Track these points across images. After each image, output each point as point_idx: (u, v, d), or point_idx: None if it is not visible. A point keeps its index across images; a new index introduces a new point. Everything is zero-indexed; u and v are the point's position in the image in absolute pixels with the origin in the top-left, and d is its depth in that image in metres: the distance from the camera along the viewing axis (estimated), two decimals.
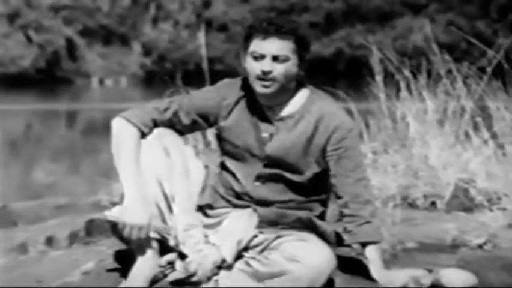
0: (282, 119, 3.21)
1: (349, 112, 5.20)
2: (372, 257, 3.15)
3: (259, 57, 3.10)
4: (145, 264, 3.19)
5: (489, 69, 5.30)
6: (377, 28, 48.45)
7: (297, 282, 2.98)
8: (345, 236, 3.21)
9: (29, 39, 49.56)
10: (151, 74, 49.70)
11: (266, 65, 3.07)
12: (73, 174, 14.23)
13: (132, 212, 3.11)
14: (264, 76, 3.08)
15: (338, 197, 3.20)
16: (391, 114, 5.26)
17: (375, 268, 3.14)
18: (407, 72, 5.36)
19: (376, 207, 3.29)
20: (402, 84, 5.35)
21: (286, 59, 3.09)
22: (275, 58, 3.08)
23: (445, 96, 5.33)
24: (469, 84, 5.35)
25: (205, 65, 5.56)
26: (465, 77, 5.38)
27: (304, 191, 3.25)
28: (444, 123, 5.15)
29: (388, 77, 5.40)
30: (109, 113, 3.44)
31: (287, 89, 3.17)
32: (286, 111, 3.21)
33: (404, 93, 5.31)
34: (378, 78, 5.38)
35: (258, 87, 3.12)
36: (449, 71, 5.37)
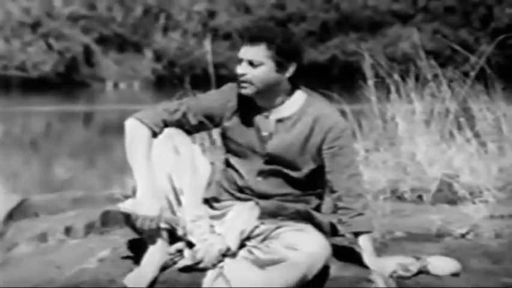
0: (281, 120, 3.22)
1: (343, 113, 5.19)
2: (364, 245, 3.16)
3: (239, 62, 3.15)
4: (156, 252, 3.20)
5: (472, 74, 5.30)
6: (368, 36, 48.35)
7: (295, 268, 2.98)
8: (340, 227, 3.23)
9: (50, 47, 49.53)
10: (162, 78, 49.59)
11: (240, 68, 3.14)
12: (89, 170, 14.22)
13: (144, 204, 3.12)
14: (240, 78, 3.14)
15: (333, 191, 3.21)
16: (382, 115, 5.26)
17: (368, 256, 3.15)
18: (396, 77, 5.36)
19: (368, 200, 3.29)
20: (392, 88, 5.35)
21: (260, 64, 3.11)
22: (251, 63, 3.12)
23: (431, 98, 5.33)
24: (453, 88, 5.34)
25: (211, 70, 5.54)
26: (450, 81, 5.38)
27: (302, 185, 3.25)
28: (431, 123, 5.15)
29: (379, 81, 5.40)
30: (122, 114, 3.45)
31: (276, 92, 3.19)
32: (284, 113, 3.22)
33: (393, 95, 5.31)
34: (370, 82, 5.38)
35: (239, 88, 3.18)
36: (435, 76, 5.37)
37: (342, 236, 3.33)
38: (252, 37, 3.15)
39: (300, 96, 3.24)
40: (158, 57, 51.84)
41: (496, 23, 49.54)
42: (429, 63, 5.44)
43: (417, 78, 5.39)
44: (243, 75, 3.13)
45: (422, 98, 5.30)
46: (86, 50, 50.63)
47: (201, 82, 5.22)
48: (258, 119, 3.24)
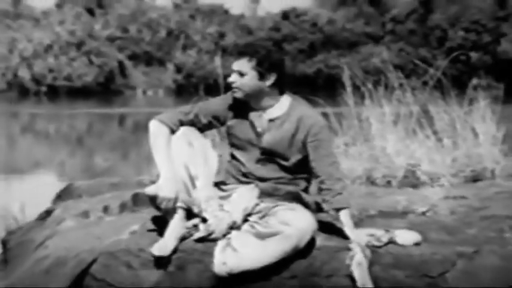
0: (272, 119, 3.24)
1: (326, 115, 5.20)
2: (344, 219, 3.15)
3: (232, 73, 3.24)
4: (176, 226, 3.19)
5: (431, 83, 5.29)
6: (346, 53, 48.54)
7: (288, 240, 2.99)
8: (324, 205, 3.24)
9: (91, 62, 49.55)
10: (181, 86, 49.69)
11: (231, 77, 3.23)
12: (123, 161, 14.23)
13: (164, 188, 3.15)
14: (232, 85, 3.23)
15: (316, 176, 3.22)
16: (358, 116, 5.24)
17: (347, 227, 3.14)
18: (369, 85, 5.34)
19: (345, 183, 3.29)
20: (366, 94, 5.32)
21: (245, 74, 3.19)
22: (239, 73, 3.20)
23: (398, 103, 5.31)
24: (416, 94, 5.32)
25: (220, 80, 5.51)
26: (413, 89, 5.36)
27: (291, 171, 3.27)
28: (398, 123, 5.13)
29: (355, 89, 5.38)
30: (149, 115, 3.45)
31: (261, 96, 3.23)
32: (274, 113, 3.25)
33: (367, 101, 5.29)
34: (348, 89, 5.36)
35: (232, 92, 3.25)
36: (401, 85, 5.35)
37: (326, 212, 3.33)
38: (238, 52, 3.29)
39: (286, 100, 3.28)
40: (178, 69, 51.95)
41: (450, 42, 49.56)
42: (396, 75, 5.43)
43: (386, 86, 5.37)
44: (233, 83, 3.22)
45: (391, 102, 5.28)
46: (120, 64, 50.70)
47: (213, 90, 5.21)
48: (254, 118, 3.27)
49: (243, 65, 3.19)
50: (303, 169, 3.27)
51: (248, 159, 3.28)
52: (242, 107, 3.28)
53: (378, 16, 54.06)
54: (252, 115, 3.27)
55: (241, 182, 3.29)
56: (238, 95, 3.22)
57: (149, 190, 3.18)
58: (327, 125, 3.33)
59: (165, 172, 3.19)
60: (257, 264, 2.97)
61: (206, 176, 3.29)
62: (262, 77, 3.19)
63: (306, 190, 3.32)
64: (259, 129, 3.25)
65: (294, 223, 3.04)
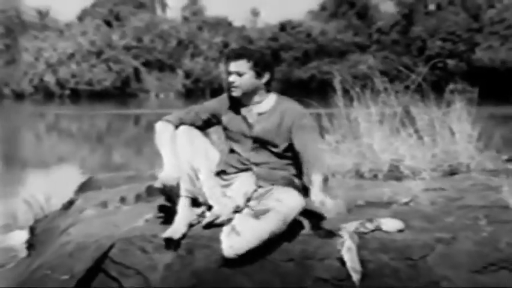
0: (261, 113, 3.30)
1: (319, 115, 5.21)
2: (315, 180, 3.02)
3: (229, 74, 3.27)
4: (185, 214, 3.20)
5: (412, 87, 5.29)
6: (337, 60, 48.61)
7: (277, 214, 3.00)
8: (304, 179, 3.18)
9: (109, 68, 49.64)
10: (190, 90, 49.80)
11: (231, 78, 3.26)
12: (138, 156, 14.21)
13: (168, 170, 3.18)
14: (231, 85, 3.26)
15: (300, 157, 3.19)
16: (347, 116, 5.23)
17: (314, 188, 3.01)
18: (357, 89, 5.34)
19: (325, 161, 3.23)
20: (355, 97, 5.32)
21: (244, 73, 3.24)
22: (238, 73, 3.24)
23: (383, 105, 5.31)
24: (399, 97, 5.33)
25: (224, 84, 5.51)
26: (396, 92, 5.36)
27: (282, 156, 3.28)
28: (383, 123, 5.13)
29: (345, 92, 5.37)
30: (161, 116, 3.46)
31: (254, 93, 3.28)
32: (263, 108, 3.30)
33: (355, 102, 5.28)
34: (339, 93, 5.34)
35: (229, 92, 3.30)
36: (385, 89, 5.34)
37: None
38: (236, 55, 3.28)
39: (272, 97, 3.34)
40: (187, 75, 52.05)
41: (429, 51, 49.65)
42: (381, 80, 5.43)
43: (372, 90, 5.37)
44: (233, 82, 3.25)
45: (377, 104, 5.28)
46: (136, 71, 50.77)
47: (218, 93, 5.19)
48: (245, 113, 3.32)
49: (242, 66, 3.23)
50: (290, 155, 3.28)
51: (243, 149, 3.32)
52: (234, 105, 3.35)
53: (365, 28, 54.14)
54: (244, 110, 3.33)
55: (240, 170, 3.30)
56: (237, 93, 3.26)
57: (156, 183, 3.21)
58: (309, 114, 3.33)
59: (168, 163, 3.21)
60: (256, 241, 2.97)
61: (208, 168, 3.30)
62: (258, 75, 3.25)
63: (296, 175, 3.31)
64: (250, 121, 3.30)
65: (285, 201, 3.05)
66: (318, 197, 2.95)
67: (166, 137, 3.29)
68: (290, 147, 3.26)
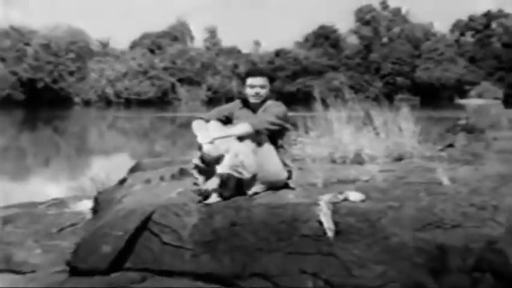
0: (261, 109, 3.32)
1: (304, 117, 5.21)
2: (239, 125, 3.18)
3: (253, 87, 3.30)
4: (212, 184, 3.18)
5: (371, 97, 5.30)
6: (317, 78, 48.54)
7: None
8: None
9: (153, 84, 49.63)
10: (211, 99, 49.67)
11: (256, 89, 3.29)
12: (174, 146, 14.24)
13: (200, 139, 3.18)
14: (257, 95, 3.29)
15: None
16: (324, 118, 5.22)
17: (233, 128, 3.20)
18: (332, 98, 5.33)
19: (264, 125, 3.20)
20: (330, 104, 5.32)
21: (265, 86, 3.31)
22: (261, 87, 3.29)
23: (350, 110, 5.31)
24: (362, 104, 5.33)
25: (235, 95, 5.51)
26: (359, 100, 5.38)
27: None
28: (350, 123, 5.11)
29: (323, 100, 5.37)
30: (191, 118, 3.46)
31: (264, 99, 3.34)
32: (262, 106, 3.33)
33: (331, 108, 5.28)
34: (318, 101, 5.35)
35: (252, 100, 3.32)
36: (352, 98, 5.36)
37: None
38: (258, 73, 3.35)
39: (269, 102, 3.35)
40: (209, 88, 52.07)
41: (383, 71, 49.36)
42: (349, 92, 5.43)
43: (342, 99, 5.38)
44: (259, 93, 3.30)
45: (345, 109, 5.28)
46: (172, 85, 50.74)
47: (231, 100, 5.22)
48: (251, 112, 3.34)
49: (263, 80, 3.30)
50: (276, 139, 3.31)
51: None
52: (242, 107, 3.39)
53: (337, 54, 54.21)
54: (250, 110, 3.35)
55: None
56: (260, 100, 3.31)
57: (191, 163, 3.24)
58: (284, 106, 3.32)
59: (201, 137, 3.18)
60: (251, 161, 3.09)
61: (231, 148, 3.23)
62: (270, 87, 3.34)
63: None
64: (256, 113, 3.32)
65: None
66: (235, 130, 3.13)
67: (200, 126, 3.29)
68: (274, 133, 3.25)
